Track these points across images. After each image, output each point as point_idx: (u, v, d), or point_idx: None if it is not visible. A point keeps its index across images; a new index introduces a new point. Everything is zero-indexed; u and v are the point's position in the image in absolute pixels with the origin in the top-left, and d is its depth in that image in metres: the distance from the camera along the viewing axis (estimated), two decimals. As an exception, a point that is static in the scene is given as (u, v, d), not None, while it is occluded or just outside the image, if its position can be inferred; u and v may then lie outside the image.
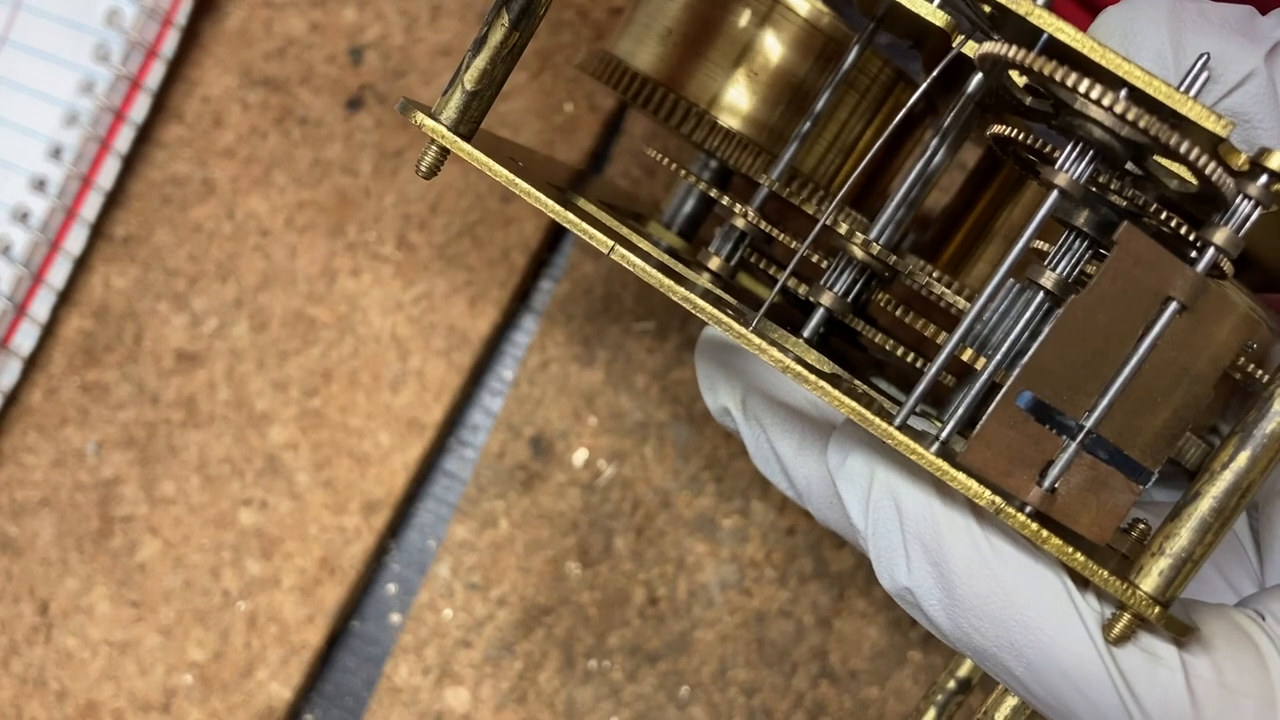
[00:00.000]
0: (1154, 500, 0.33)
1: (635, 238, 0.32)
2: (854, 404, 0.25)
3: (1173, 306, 0.24)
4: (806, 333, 0.30)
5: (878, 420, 0.25)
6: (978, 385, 0.26)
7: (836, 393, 0.25)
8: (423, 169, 0.28)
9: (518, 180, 0.28)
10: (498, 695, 0.44)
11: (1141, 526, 0.29)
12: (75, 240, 0.47)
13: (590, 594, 0.44)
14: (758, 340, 0.26)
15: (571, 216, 0.27)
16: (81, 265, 0.47)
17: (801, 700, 0.44)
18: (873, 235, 0.30)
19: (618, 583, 0.44)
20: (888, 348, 0.30)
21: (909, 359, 0.30)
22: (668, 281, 0.27)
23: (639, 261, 0.27)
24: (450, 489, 0.47)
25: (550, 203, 0.27)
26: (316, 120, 0.48)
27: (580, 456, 0.45)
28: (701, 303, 0.26)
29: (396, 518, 0.46)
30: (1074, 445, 0.25)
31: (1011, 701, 0.28)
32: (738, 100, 0.34)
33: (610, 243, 0.27)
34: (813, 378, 0.26)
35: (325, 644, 0.45)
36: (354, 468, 0.45)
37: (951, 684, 0.32)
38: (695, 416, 0.45)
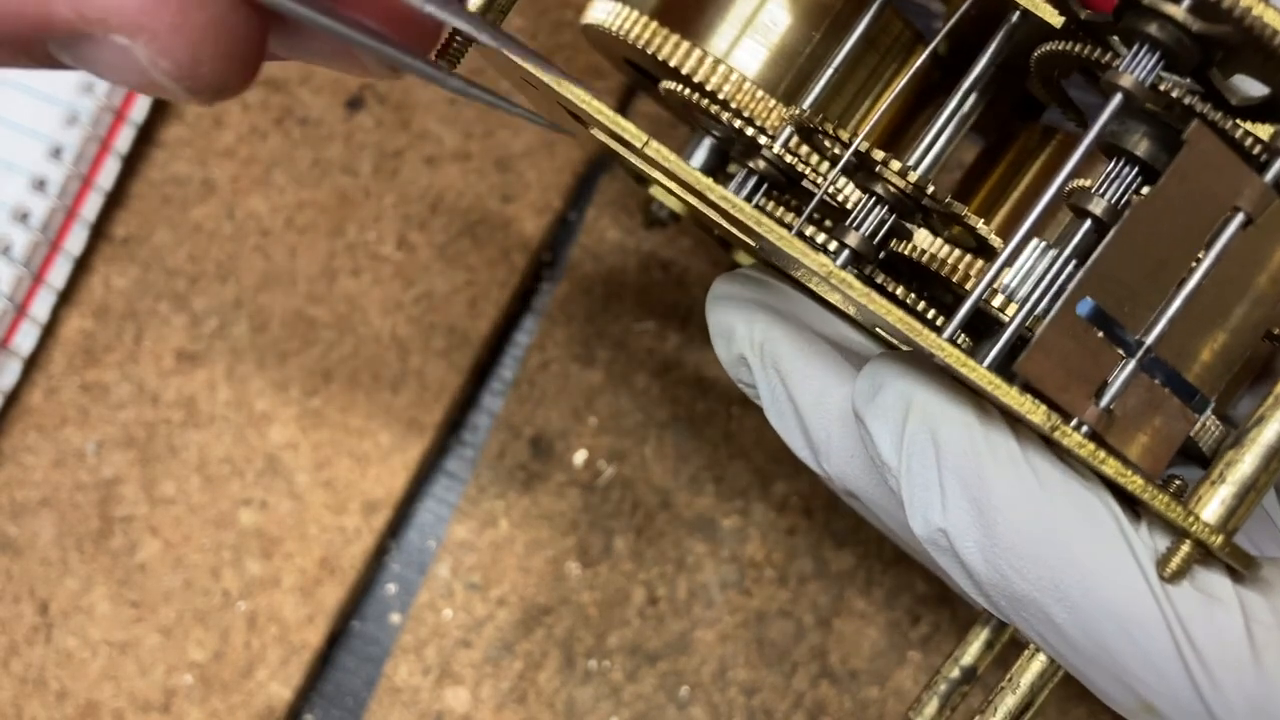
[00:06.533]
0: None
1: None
2: (902, 313, 0.24)
3: (1239, 218, 0.23)
4: None
5: (927, 331, 0.23)
6: (1022, 313, 0.24)
7: (883, 300, 0.24)
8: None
9: (534, 66, 0.25)
10: (498, 695, 0.44)
11: (1179, 482, 0.27)
12: (75, 240, 0.47)
13: (590, 594, 0.44)
14: (800, 244, 0.24)
15: (605, 109, 0.26)
16: (81, 265, 0.47)
17: (801, 700, 0.43)
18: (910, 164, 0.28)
19: (618, 583, 0.44)
20: (909, 300, 0.29)
21: (930, 316, 0.28)
22: (705, 180, 0.25)
23: (673, 157, 0.25)
24: (450, 489, 0.46)
25: (580, 92, 0.26)
26: (316, 120, 0.48)
27: (580, 456, 0.45)
28: (740, 202, 0.25)
29: (396, 518, 0.46)
30: (1133, 362, 0.23)
31: (1038, 665, 0.26)
32: (751, 57, 0.32)
33: (645, 136, 0.25)
34: (859, 284, 0.24)
35: (325, 644, 0.45)
36: (354, 468, 0.45)
37: (955, 672, 0.29)
38: (695, 416, 0.45)
